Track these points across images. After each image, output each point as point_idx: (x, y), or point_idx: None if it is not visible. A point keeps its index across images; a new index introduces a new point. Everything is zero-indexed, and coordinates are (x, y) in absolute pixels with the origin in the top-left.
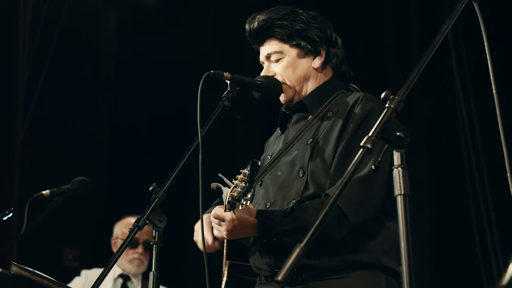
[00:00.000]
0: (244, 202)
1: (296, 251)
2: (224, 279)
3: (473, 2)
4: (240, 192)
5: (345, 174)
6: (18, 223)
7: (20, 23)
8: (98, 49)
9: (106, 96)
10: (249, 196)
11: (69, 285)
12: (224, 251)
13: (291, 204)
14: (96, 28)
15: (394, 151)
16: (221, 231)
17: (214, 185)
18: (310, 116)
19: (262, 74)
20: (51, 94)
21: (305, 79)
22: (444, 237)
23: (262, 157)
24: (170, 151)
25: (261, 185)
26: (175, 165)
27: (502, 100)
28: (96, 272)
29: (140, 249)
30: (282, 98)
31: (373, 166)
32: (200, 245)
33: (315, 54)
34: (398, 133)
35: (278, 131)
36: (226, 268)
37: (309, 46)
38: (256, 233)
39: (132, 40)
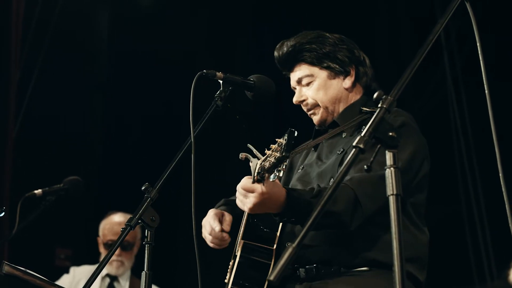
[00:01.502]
0: (277, 173)
1: (289, 251)
2: (237, 259)
3: (466, 2)
4: (273, 163)
5: (338, 173)
6: (10, 222)
7: (12, 22)
8: (90, 48)
9: (98, 96)
10: (283, 166)
11: (57, 282)
12: (241, 229)
13: (315, 187)
14: (89, 27)
15: (387, 151)
16: (245, 204)
17: (243, 155)
18: (344, 133)
19: (294, 99)
20: (43, 93)
21: (337, 99)
22: (435, 237)
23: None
24: (162, 151)
25: None
26: (167, 164)
27: (494, 99)
28: (85, 269)
29: (117, 251)
30: (315, 119)
31: (365, 166)
32: (207, 239)
33: (345, 74)
34: (390, 133)
35: (309, 143)
36: (240, 249)
37: (338, 67)
38: (278, 210)
39: (125, 40)
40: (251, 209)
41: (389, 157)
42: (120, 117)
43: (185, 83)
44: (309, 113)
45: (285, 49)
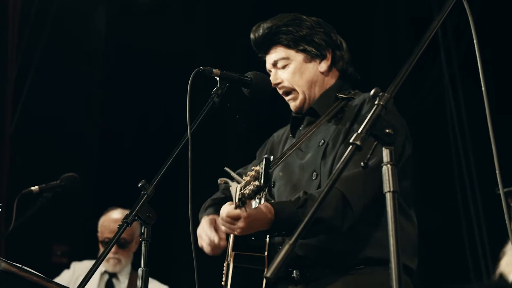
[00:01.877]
0: (258, 201)
1: (285, 247)
2: (230, 270)
3: (463, 0)
4: (253, 190)
5: (334, 171)
6: (7, 219)
7: (9, 20)
8: (88, 46)
9: (95, 93)
10: (263, 194)
11: (57, 277)
12: (230, 243)
13: (301, 195)
14: (86, 25)
15: (383, 148)
16: (233, 230)
17: (221, 180)
18: (321, 120)
19: None
20: (40, 91)
21: (313, 83)
22: (432, 235)
23: (263, 152)
24: (159, 148)
25: (273, 186)
26: (164, 161)
27: (491, 97)
28: (86, 265)
29: (113, 248)
30: (294, 105)
31: (362, 163)
32: (206, 249)
33: (321, 58)
34: (387, 130)
35: (287, 132)
36: (232, 259)
37: (315, 50)
38: (268, 227)
39: (122, 38)
40: (240, 233)
41: (386, 154)
42: (118, 114)
43: (182, 81)
44: (287, 98)
45: (261, 31)
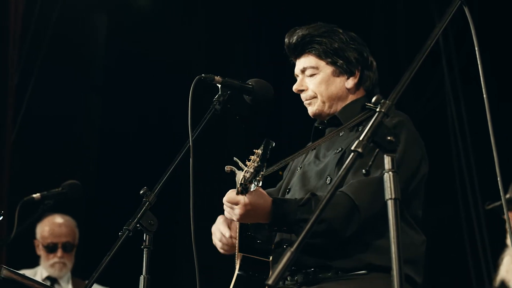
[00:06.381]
0: (255, 183)
1: (287, 255)
2: (236, 271)
3: (464, 6)
4: (252, 173)
5: (336, 177)
6: (9, 226)
7: (10, 26)
8: (88, 52)
9: (95, 99)
10: (260, 176)
11: None
12: (237, 243)
13: (307, 195)
14: (86, 31)
15: (385, 155)
16: (232, 215)
17: (228, 168)
18: (343, 131)
19: (294, 86)
20: (41, 98)
21: (337, 97)
22: (433, 240)
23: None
24: (161, 155)
25: (288, 192)
26: (166, 168)
27: (492, 102)
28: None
29: (59, 253)
30: (310, 110)
31: (364, 171)
32: (217, 246)
33: (349, 74)
34: (388, 138)
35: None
36: (239, 262)
37: (344, 66)
38: (268, 220)
39: (122, 43)
40: (238, 220)
41: (387, 161)
42: (118, 121)
43: (182, 87)
44: (306, 101)
45: (295, 38)
